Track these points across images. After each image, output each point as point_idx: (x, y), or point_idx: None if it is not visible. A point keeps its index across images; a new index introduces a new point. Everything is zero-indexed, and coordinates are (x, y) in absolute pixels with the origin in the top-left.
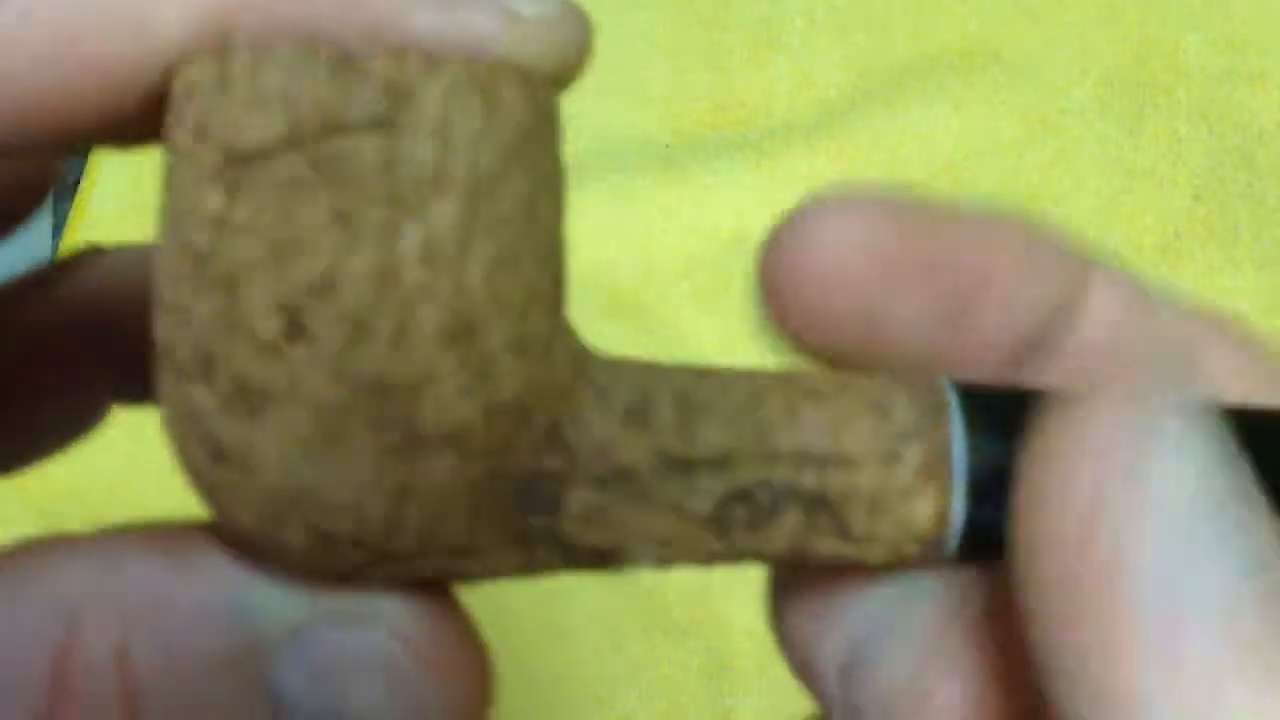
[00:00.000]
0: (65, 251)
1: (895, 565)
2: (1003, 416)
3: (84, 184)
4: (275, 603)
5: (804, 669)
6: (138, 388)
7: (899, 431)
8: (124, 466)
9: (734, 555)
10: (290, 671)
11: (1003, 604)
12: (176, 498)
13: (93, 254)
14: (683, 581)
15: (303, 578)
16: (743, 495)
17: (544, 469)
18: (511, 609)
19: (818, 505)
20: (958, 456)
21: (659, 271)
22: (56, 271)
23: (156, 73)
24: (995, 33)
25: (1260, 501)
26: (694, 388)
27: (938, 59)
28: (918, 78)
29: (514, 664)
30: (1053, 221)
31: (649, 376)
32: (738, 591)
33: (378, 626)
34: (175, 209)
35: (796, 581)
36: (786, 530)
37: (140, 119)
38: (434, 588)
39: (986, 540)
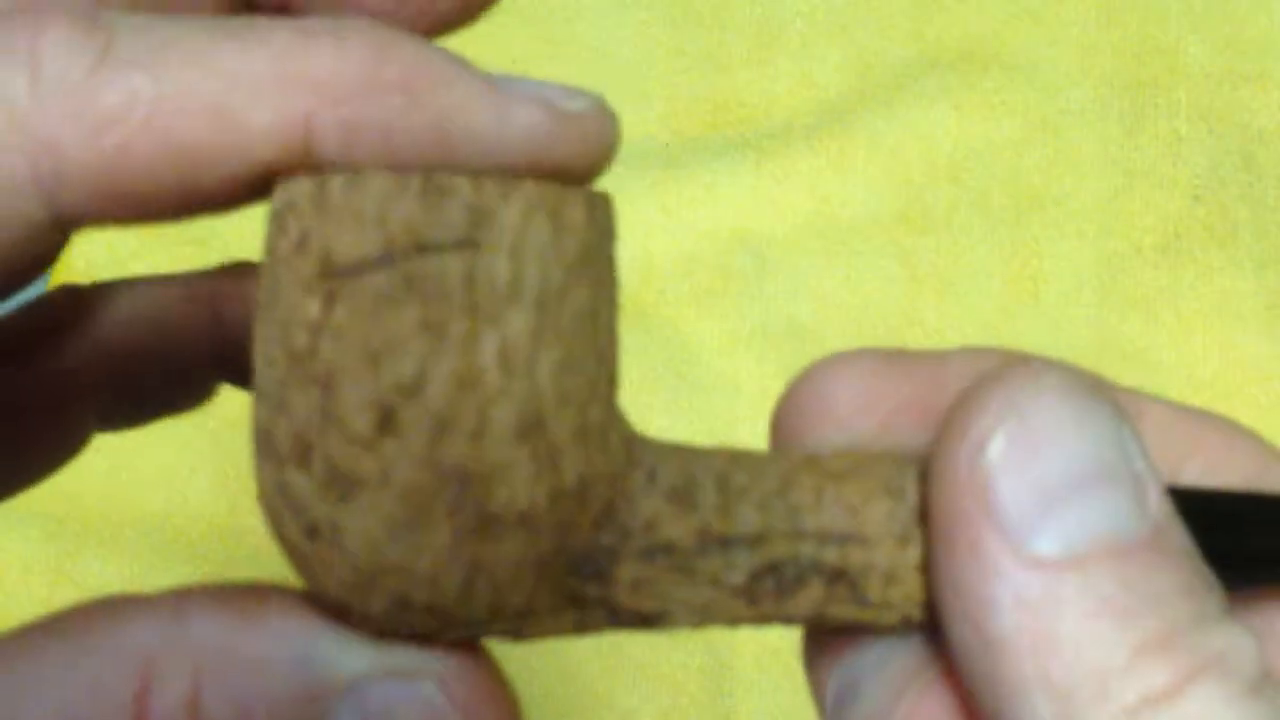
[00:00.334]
0: (55, 283)
1: (901, 628)
2: None
3: None
4: (337, 656)
5: (818, 702)
6: (117, 416)
7: (912, 512)
8: (121, 469)
9: (761, 620)
10: None
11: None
12: (172, 501)
13: (72, 291)
14: None
15: (369, 636)
16: (772, 569)
17: (599, 544)
18: None
19: (838, 578)
20: None
21: (659, 271)
22: (40, 308)
23: (244, 158)
24: (995, 33)
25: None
26: (732, 471)
27: (938, 59)
28: (918, 78)
29: (514, 664)
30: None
31: (691, 460)
32: None
33: (428, 679)
34: (275, 309)
35: (817, 632)
36: (810, 599)
37: (221, 199)
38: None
39: None
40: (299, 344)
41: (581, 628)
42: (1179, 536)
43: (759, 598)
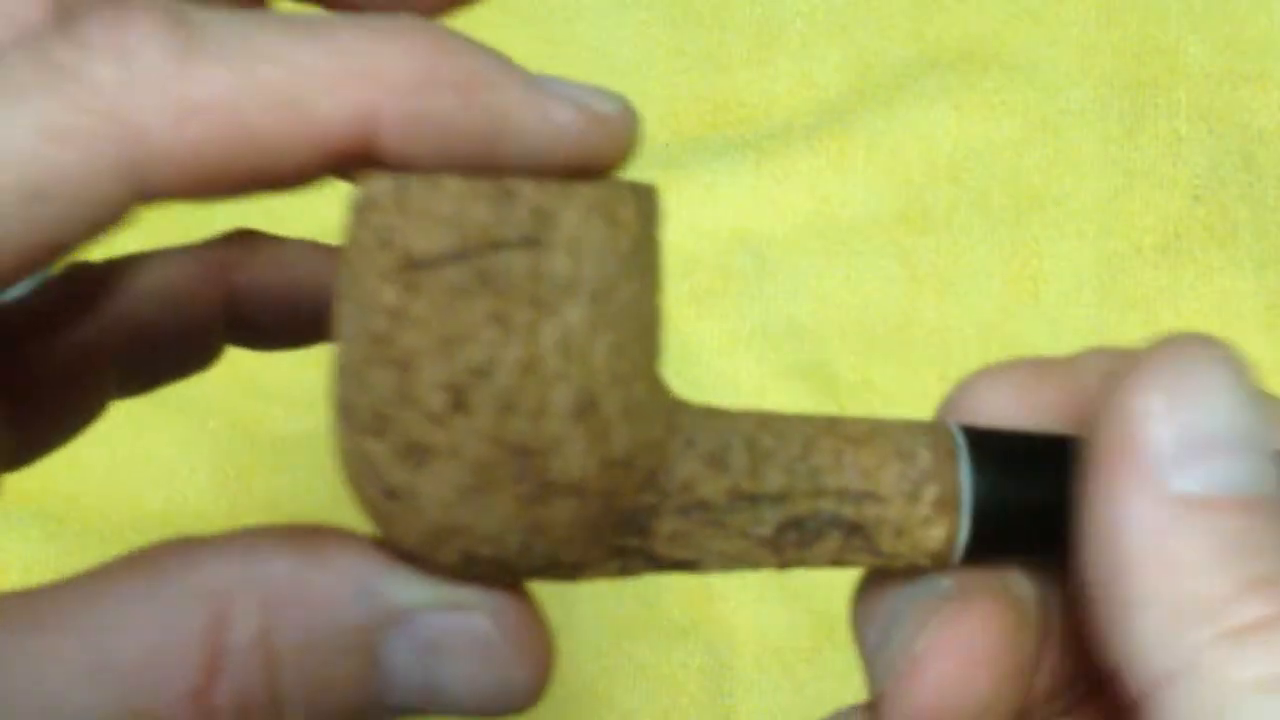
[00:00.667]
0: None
1: (910, 573)
2: (1002, 456)
3: None
4: (396, 590)
5: (861, 654)
6: (133, 382)
7: (920, 474)
8: (121, 469)
9: (784, 566)
10: (400, 649)
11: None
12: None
13: (88, 266)
14: (683, 582)
15: (427, 573)
16: (796, 523)
17: (642, 503)
18: None
19: (855, 531)
20: (965, 493)
21: None
22: (59, 284)
23: (313, 146)
24: (995, 33)
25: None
26: (760, 435)
27: (938, 59)
28: (918, 78)
29: None
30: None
31: (724, 425)
32: (738, 592)
33: (480, 611)
34: (355, 295)
35: (860, 589)
36: (828, 548)
37: (287, 181)
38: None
39: (984, 553)
40: (379, 328)
41: (624, 573)
42: None
43: (783, 548)
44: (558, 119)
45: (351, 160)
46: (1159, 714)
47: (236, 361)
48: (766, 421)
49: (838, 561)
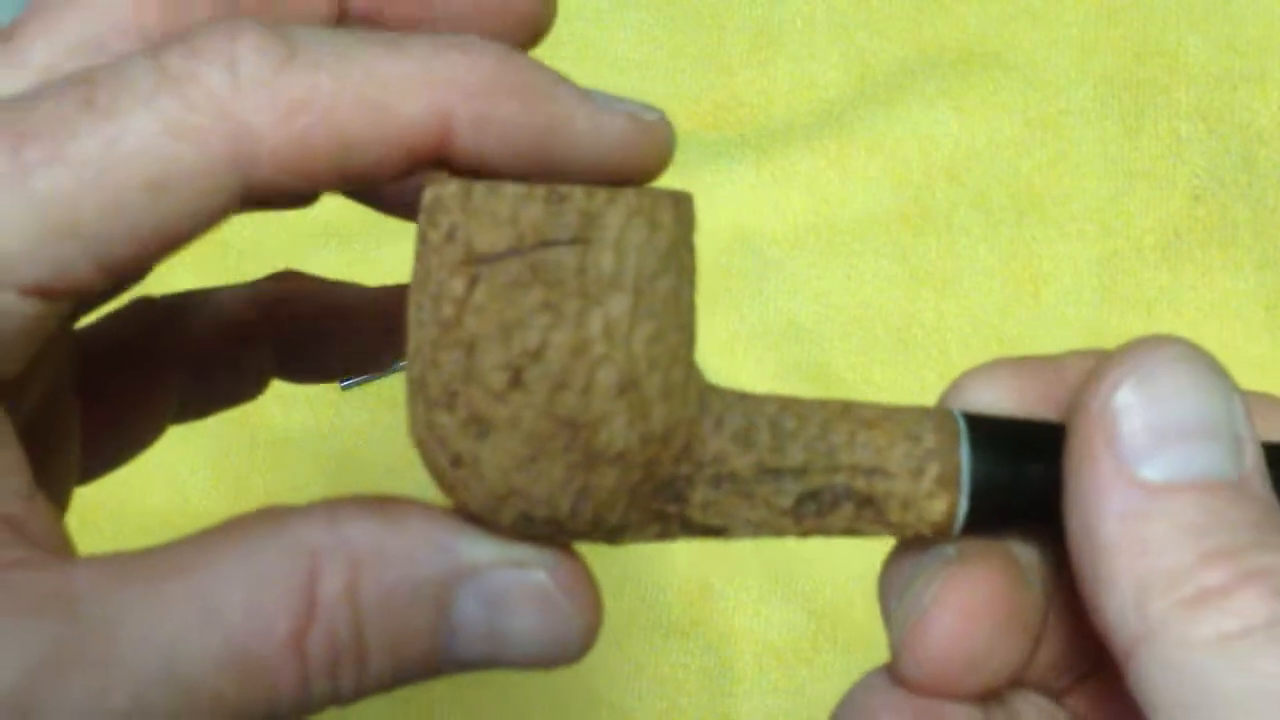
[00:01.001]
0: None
1: (915, 542)
2: (999, 439)
3: None
4: (467, 548)
5: (884, 615)
6: (189, 410)
7: (925, 453)
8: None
9: (803, 533)
10: (469, 602)
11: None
12: (172, 501)
13: (151, 301)
14: (683, 581)
15: (491, 533)
16: (814, 495)
17: (677, 473)
18: None
19: (866, 503)
20: (964, 471)
21: None
22: (124, 317)
23: (396, 143)
24: (995, 33)
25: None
26: (782, 417)
27: (938, 59)
28: (918, 78)
29: None
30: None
31: (751, 406)
32: (738, 592)
33: (540, 568)
34: (426, 285)
35: (885, 563)
36: (843, 518)
37: (371, 177)
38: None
39: (981, 525)
40: (446, 314)
41: (662, 536)
42: (1260, 486)
43: (802, 517)
44: (611, 128)
45: (427, 158)
46: (1132, 677)
47: None
48: (789, 405)
49: (851, 530)
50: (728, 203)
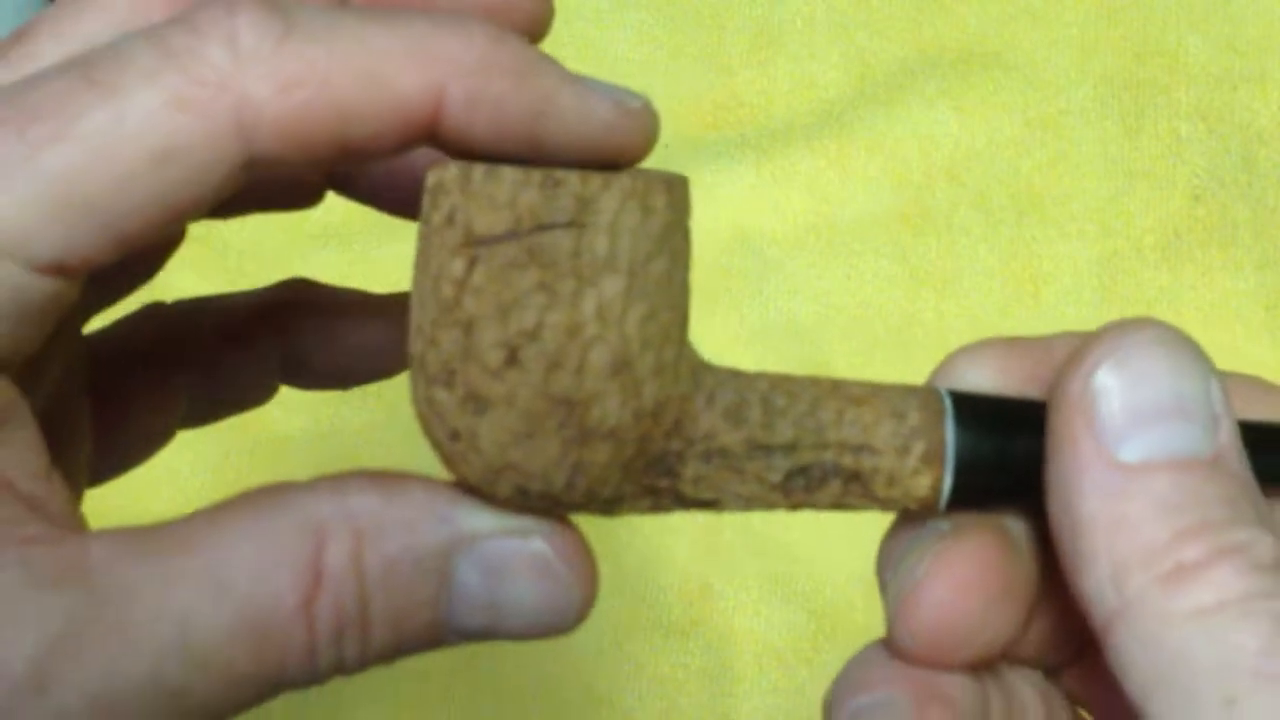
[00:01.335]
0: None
1: (911, 517)
2: (984, 417)
3: None
4: (466, 519)
5: (882, 588)
6: (197, 416)
7: (910, 430)
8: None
9: (792, 507)
10: (468, 570)
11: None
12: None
13: (161, 307)
14: (683, 581)
15: (490, 505)
16: (803, 470)
17: (669, 449)
18: None
19: (853, 478)
20: (949, 448)
21: None
22: (134, 323)
23: (392, 116)
24: (995, 33)
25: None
26: (773, 394)
27: (938, 59)
28: (918, 78)
29: (515, 661)
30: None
31: (742, 384)
32: (738, 592)
33: (538, 537)
34: (428, 266)
35: (883, 540)
36: (830, 493)
37: (368, 152)
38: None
39: (966, 501)
40: (446, 294)
41: (655, 509)
42: (1236, 464)
43: (791, 492)
44: (598, 111)
45: (421, 133)
46: (1110, 651)
47: None
48: (779, 383)
49: (839, 505)
50: (728, 203)
